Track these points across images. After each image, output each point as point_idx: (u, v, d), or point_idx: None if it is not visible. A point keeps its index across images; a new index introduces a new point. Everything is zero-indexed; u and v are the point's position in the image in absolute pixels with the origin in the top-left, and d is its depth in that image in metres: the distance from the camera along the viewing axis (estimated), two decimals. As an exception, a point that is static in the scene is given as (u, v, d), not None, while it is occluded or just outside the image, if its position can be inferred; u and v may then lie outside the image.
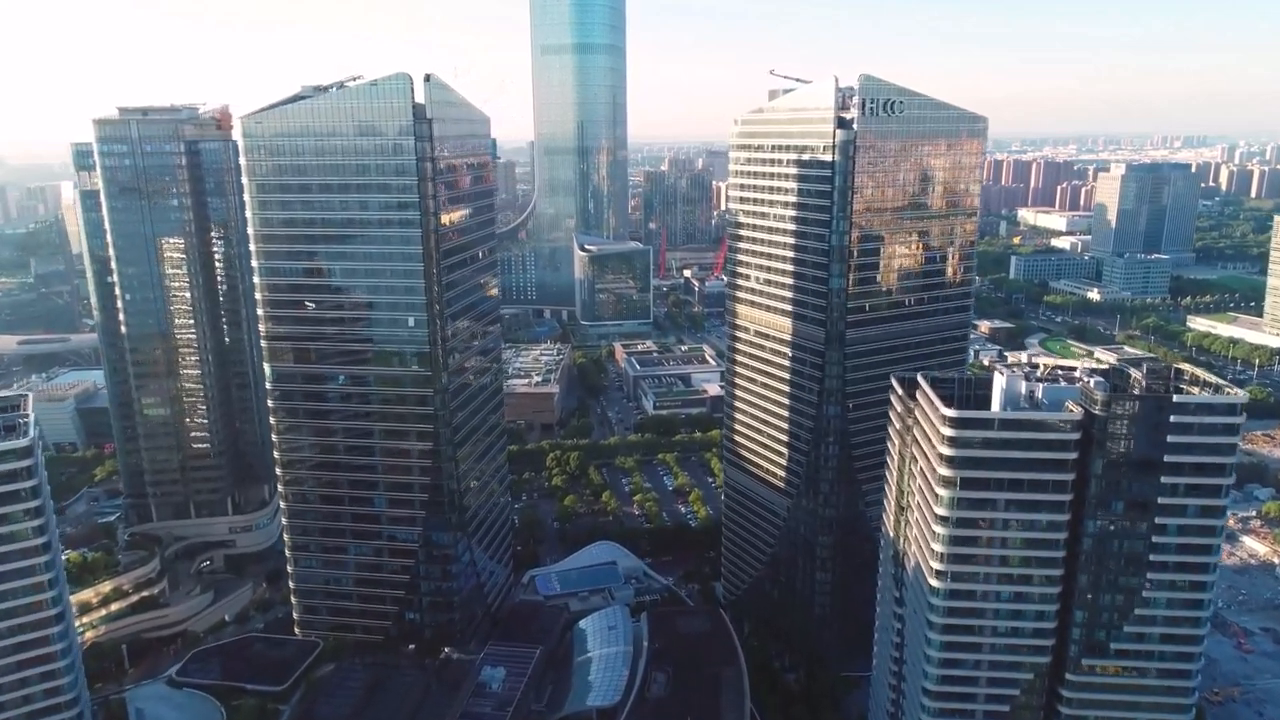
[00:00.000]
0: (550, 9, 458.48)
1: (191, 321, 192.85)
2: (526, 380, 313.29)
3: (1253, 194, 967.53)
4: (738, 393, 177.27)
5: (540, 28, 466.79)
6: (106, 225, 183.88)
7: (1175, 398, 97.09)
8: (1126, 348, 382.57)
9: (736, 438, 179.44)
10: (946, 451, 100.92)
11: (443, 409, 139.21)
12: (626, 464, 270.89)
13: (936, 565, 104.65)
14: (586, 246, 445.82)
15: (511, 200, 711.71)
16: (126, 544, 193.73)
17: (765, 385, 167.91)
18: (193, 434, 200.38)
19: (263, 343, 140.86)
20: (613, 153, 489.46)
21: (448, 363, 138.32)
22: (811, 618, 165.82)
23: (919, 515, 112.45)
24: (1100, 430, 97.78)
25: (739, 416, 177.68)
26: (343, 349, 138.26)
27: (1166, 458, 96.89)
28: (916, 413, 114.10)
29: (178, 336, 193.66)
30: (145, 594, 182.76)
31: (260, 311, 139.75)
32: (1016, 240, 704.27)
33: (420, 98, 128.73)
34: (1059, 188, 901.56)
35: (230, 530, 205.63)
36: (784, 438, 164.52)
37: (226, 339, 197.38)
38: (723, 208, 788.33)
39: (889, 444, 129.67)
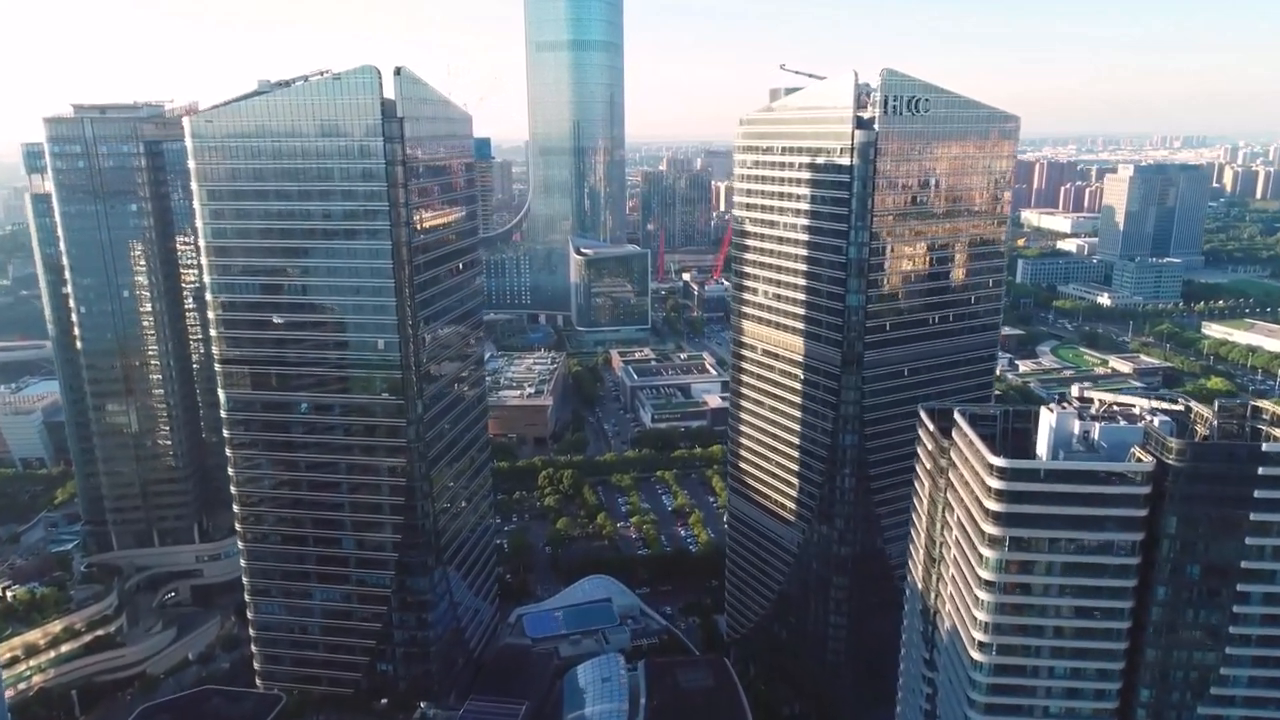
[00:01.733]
0: (546, 4, 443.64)
1: (153, 334, 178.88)
2: (518, 392, 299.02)
3: (1258, 195, 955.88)
4: (743, 415, 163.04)
5: (535, 23, 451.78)
6: (59, 231, 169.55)
7: (1265, 446, 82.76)
8: (1143, 356, 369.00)
9: (742, 464, 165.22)
10: (994, 506, 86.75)
11: (417, 441, 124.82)
12: (623, 482, 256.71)
13: (979, 635, 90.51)
14: (583, 250, 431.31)
15: (508, 200, 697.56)
16: (83, 576, 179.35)
17: (774, 409, 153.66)
18: (155, 456, 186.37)
19: (217, 366, 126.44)
20: (610, 152, 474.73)
21: (422, 389, 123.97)
22: (824, 663, 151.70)
23: (956, 571, 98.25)
24: (1175, 483, 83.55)
25: (744, 441, 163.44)
26: (305, 374, 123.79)
27: (1253, 515, 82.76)
28: (953, 454, 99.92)
29: (138, 350, 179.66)
30: (100, 633, 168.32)
31: (213, 332, 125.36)
32: (1020, 242, 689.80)
33: (390, 93, 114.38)
34: (1063, 188, 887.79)
35: (197, 559, 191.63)
36: (795, 466, 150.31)
37: (192, 353, 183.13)
38: (722, 208, 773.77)
39: (916, 482, 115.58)
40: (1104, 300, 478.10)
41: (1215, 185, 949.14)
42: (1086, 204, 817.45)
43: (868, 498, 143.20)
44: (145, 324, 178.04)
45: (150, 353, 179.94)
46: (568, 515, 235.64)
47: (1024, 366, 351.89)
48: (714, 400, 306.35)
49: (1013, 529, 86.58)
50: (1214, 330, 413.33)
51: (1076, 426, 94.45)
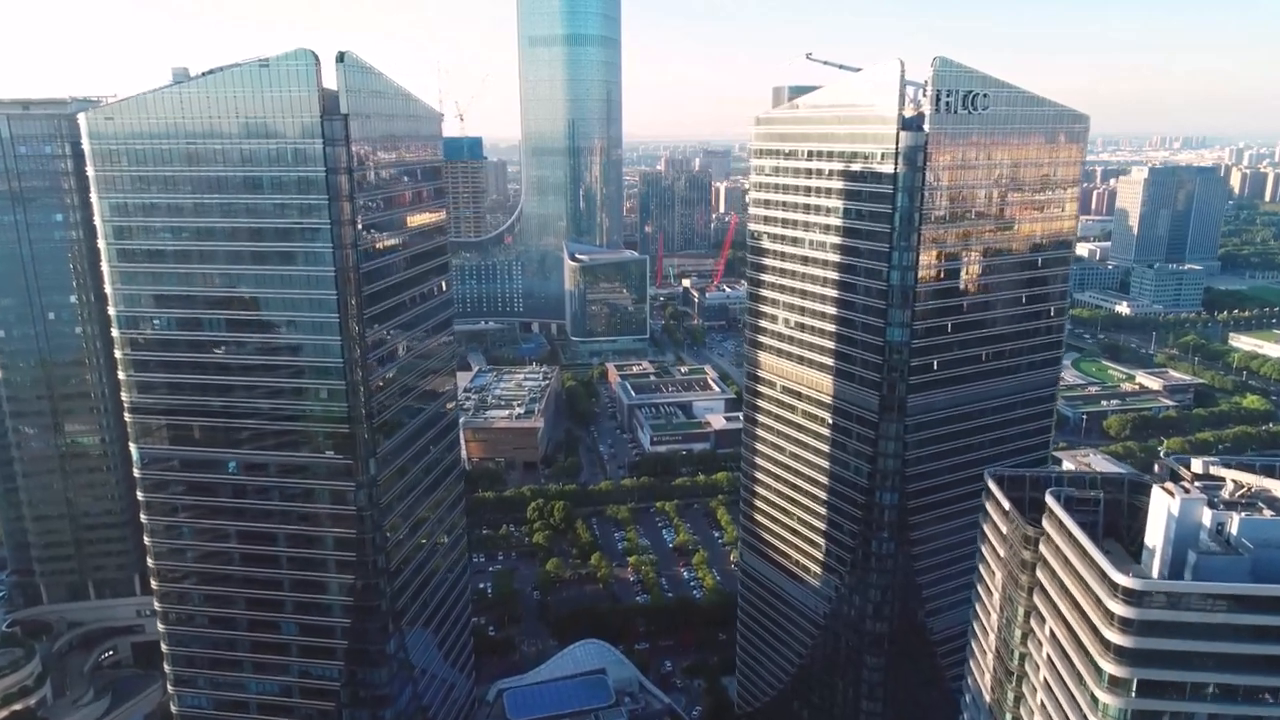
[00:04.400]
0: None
1: (84, 362, 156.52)
2: (507, 412, 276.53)
3: (1267, 197, 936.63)
4: (758, 461, 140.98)
5: (528, 17, 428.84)
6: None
7: None
8: (1171, 371, 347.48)
9: (756, 515, 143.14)
10: (1118, 639, 64.86)
11: (369, 507, 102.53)
12: (620, 514, 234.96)
13: (1092, 802, 68.51)
14: (578, 255, 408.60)
15: (502, 201, 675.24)
16: (2, 638, 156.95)
17: (796, 456, 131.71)
18: (89, 498, 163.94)
19: (126, 416, 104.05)
20: (606, 152, 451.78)
21: (375, 445, 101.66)
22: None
23: (1051, 705, 76.19)
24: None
25: (760, 491, 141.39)
26: (233, 426, 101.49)
27: None
28: (1044, 547, 77.97)
29: (67, 380, 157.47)
30: (18, 707, 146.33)
31: (121, 375, 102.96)
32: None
33: (333, 84, 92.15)
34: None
35: (138, 614, 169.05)
36: (821, 525, 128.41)
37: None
38: (721, 210, 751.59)
39: (982, 566, 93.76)
40: (1123, 309, 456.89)
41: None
42: (1094, 206, 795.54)
43: (909, 565, 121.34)
44: (75, 350, 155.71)
45: (81, 382, 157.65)
46: (559, 554, 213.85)
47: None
48: (718, 420, 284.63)
49: (1146, 669, 64.64)
50: (1243, 342, 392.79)
51: (1207, 517, 72.49)
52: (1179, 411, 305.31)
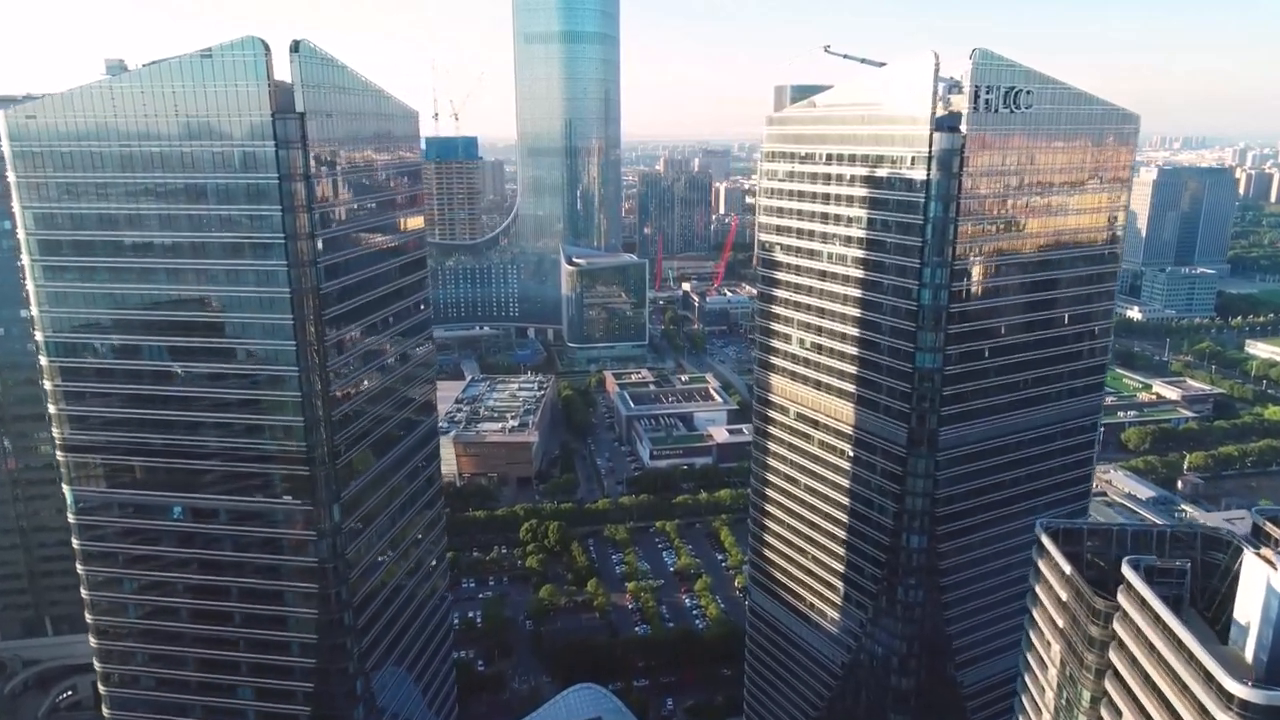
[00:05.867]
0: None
1: (37, 380, 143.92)
2: (500, 425, 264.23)
3: (1273, 198, 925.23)
4: (769, 493, 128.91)
5: (524, 13, 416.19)
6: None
7: None
8: (1189, 380, 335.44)
9: (767, 552, 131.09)
10: (1232, 761, 52.71)
11: (332, 559, 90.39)
12: (618, 534, 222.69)
13: None
14: (575, 259, 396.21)
15: (499, 202, 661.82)
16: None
17: (811, 490, 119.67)
18: (44, 528, 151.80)
19: (58, 454, 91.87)
20: (605, 152, 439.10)
21: (339, 489, 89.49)
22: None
23: (1127, 812, 64.21)
24: None
25: (770, 525, 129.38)
26: (178, 467, 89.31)
27: None
28: (1120, 626, 65.88)
29: (16, 401, 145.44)
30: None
31: (51, 408, 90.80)
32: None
33: (288, 78, 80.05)
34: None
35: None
36: (839, 567, 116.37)
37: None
38: (721, 211, 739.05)
39: (1033, 633, 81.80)
40: (1135, 314, 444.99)
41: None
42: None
43: (938, 614, 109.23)
44: (27, 367, 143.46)
45: (34, 402, 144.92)
46: (553, 579, 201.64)
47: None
48: (720, 433, 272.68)
49: (1265, 800, 52.61)
50: (1260, 349, 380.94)
51: (1314, 593, 60.48)
52: (1199, 423, 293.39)
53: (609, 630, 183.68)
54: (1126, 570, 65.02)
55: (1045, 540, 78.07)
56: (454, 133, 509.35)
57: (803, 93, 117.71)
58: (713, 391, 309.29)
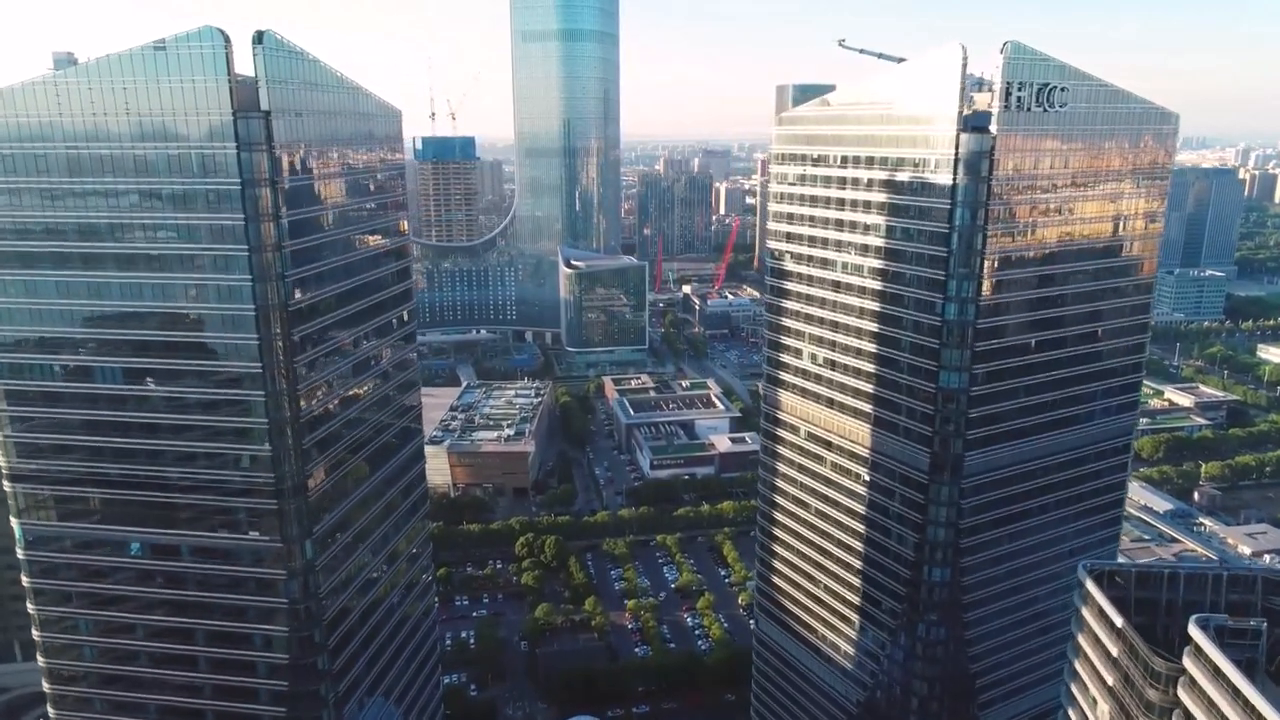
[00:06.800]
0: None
1: None
2: (496, 434, 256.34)
3: (1277, 199, 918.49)
4: (777, 515, 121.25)
5: (521, 11, 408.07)
6: None
7: None
8: (1202, 386, 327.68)
9: (775, 579, 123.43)
10: None
11: (304, 599, 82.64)
12: (617, 549, 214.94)
13: None
14: (573, 262, 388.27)
15: (497, 203, 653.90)
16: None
17: (823, 515, 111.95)
18: (8, 551, 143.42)
19: (5, 485, 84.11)
20: (604, 152, 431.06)
21: (311, 523, 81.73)
22: None
23: None
24: None
25: (779, 550, 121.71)
26: (135, 500, 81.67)
27: None
28: (1185, 691, 58.13)
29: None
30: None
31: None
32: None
33: (252, 72, 72.29)
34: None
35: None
36: (854, 599, 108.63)
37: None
38: (722, 211, 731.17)
39: (1074, 688, 74.11)
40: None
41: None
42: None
43: (961, 652, 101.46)
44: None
45: None
46: (550, 596, 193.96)
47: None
48: (722, 442, 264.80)
49: None
50: (1272, 354, 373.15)
51: None
52: (1214, 431, 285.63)
53: (608, 652, 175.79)
54: (1195, 632, 57.35)
55: (1089, 585, 70.45)
56: (451, 133, 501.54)
57: (805, 92, 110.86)
58: (714, 398, 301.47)
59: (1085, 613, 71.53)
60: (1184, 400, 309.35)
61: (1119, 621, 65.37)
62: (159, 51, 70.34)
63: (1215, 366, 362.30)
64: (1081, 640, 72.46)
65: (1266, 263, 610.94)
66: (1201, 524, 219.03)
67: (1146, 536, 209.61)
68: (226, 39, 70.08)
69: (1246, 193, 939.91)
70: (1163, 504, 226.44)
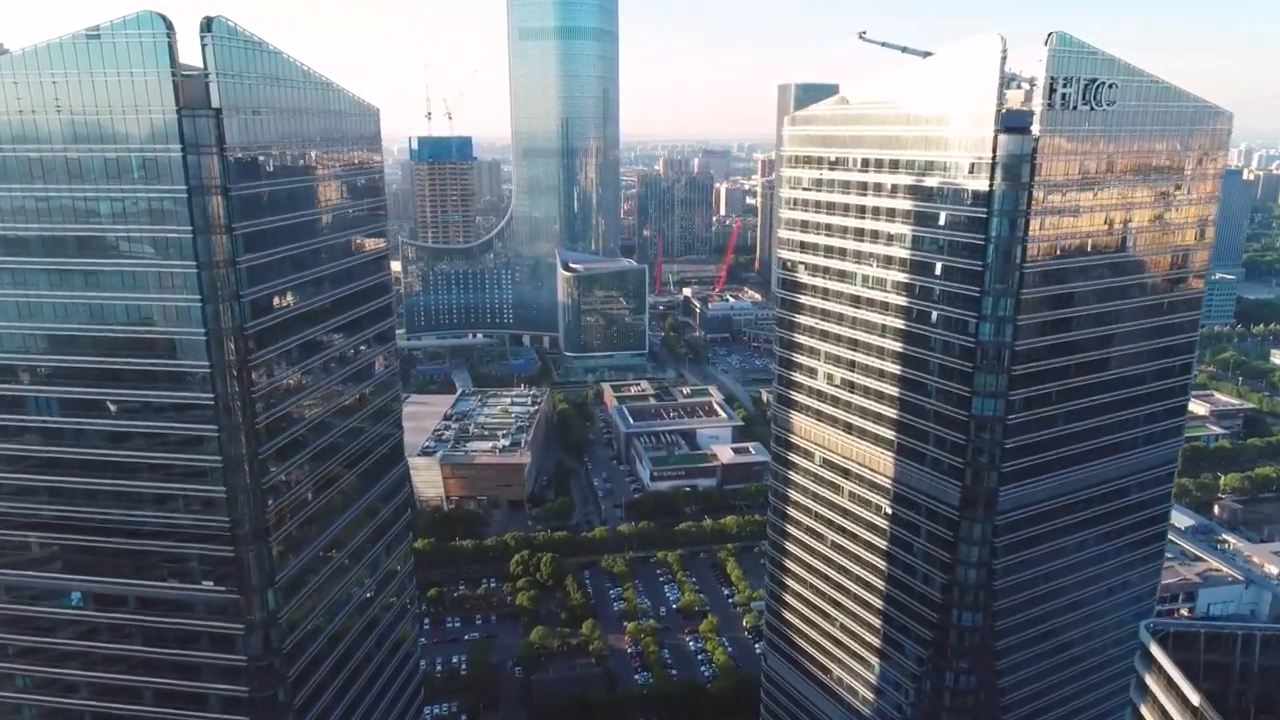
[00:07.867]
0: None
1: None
2: (491, 445, 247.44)
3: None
4: (789, 546, 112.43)
5: (518, 8, 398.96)
6: None
7: None
8: (1217, 394, 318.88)
9: (786, 614, 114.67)
10: None
11: (265, 655, 73.82)
12: (616, 566, 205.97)
13: None
14: (572, 265, 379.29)
15: (495, 203, 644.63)
16: None
17: (839, 549, 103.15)
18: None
19: (-69, 528, 75.33)
20: (603, 152, 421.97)
21: (276, 569, 72.88)
22: None
23: None
24: None
25: (790, 583, 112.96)
26: (75, 544, 72.88)
27: None
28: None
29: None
30: None
31: (-79, 473, 74.15)
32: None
33: (203, 63, 63.46)
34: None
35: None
36: (875, 642, 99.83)
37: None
38: (722, 212, 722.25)
39: (1135, 763, 64.92)
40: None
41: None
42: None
43: (993, 703, 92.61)
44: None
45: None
46: (545, 618, 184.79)
47: None
48: (725, 453, 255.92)
49: None
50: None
51: None
52: (1231, 441, 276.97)
53: (606, 679, 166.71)
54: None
55: (1155, 650, 61.80)
56: (448, 132, 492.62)
57: (808, 91, 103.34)
58: (716, 406, 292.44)
59: (1149, 680, 62.81)
60: (1200, 409, 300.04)
61: (1196, 700, 56.73)
62: (93, 40, 61.49)
63: (1228, 372, 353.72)
64: (1143, 709, 63.67)
65: (1274, 265, 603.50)
66: (1225, 540, 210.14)
67: (1170, 555, 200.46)
68: (169, 26, 61.22)
69: (1251, 193, 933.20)
70: (1184, 520, 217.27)
